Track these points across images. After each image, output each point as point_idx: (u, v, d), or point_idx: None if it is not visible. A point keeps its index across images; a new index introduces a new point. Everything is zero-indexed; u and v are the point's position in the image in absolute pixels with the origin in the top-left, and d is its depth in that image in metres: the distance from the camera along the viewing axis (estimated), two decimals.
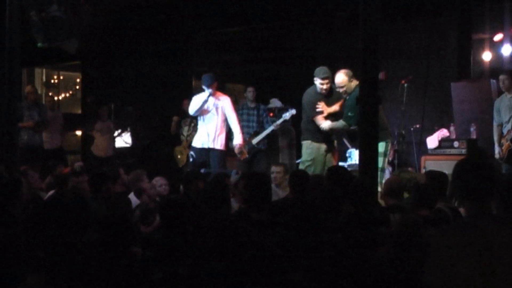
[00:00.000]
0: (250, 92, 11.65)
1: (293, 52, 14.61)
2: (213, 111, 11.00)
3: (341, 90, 9.09)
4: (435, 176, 6.81)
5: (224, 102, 11.11)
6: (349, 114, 8.78)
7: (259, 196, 5.91)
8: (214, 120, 11.00)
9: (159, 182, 8.36)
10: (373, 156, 6.74)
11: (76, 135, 16.12)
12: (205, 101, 10.76)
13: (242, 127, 11.37)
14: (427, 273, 3.62)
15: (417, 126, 11.95)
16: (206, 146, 10.95)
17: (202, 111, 10.92)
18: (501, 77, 10.09)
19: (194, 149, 11.08)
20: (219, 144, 11.01)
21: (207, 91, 10.76)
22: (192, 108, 10.89)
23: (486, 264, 3.46)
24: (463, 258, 3.50)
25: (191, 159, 11.13)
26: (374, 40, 6.75)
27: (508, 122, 9.86)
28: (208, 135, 10.95)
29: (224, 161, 11.24)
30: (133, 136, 14.51)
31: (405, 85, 10.16)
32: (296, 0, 12.72)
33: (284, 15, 13.26)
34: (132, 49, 14.30)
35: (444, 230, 3.90)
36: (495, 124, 10.10)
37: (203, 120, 11.00)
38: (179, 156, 12.84)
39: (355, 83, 8.79)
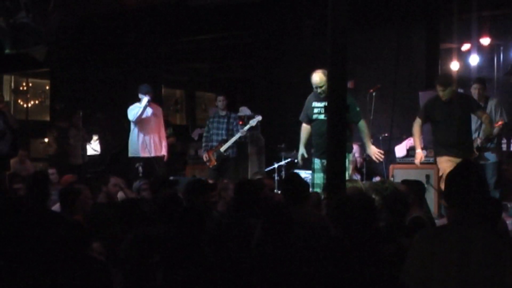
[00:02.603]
0: (220, 101, 11.67)
1: (262, 60, 14.64)
2: (153, 119, 11.54)
3: (319, 89, 9.07)
4: (412, 185, 6.87)
5: (159, 111, 11.77)
6: (358, 109, 8.85)
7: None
8: (156, 128, 11.58)
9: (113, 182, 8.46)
10: (342, 165, 6.72)
11: (45, 142, 15.99)
12: (145, 107, 11.24)
13: (212, 135, 11.53)
14: (405, 274, 3.76)
15: (386, 135, 12.00)
16: (153, 155, 11.46)
17: (143, 120, 11.38)
18: (475, 85, 10.13)
19: (141, 159, 11.27)
20: (164, 150, 11.72)
21: (146, 98, 11.25)
22: (134, 114, 11.30)
23: (463, 270, 3.58)
24: (442, 262, 3.63)
25: (140, 169, 11.18)
26: (342, 48, 6.74)
27: (475, 131, 9.93)
28: (153, 143, 11.48)
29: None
30: (101, 144, 14.43)
31: (373, 94, 10.19)
32: (264, 8, 12.74)
33: (252, 23, 13.29)
34: (101, 56, 14.23)
35: (425, 233, 3.95)
36: None
37: (145, 129, 11.45)
38: None
39: None
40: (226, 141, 11.46)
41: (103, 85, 14.62)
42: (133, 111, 11.32)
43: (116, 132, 14.44)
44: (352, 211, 5.17)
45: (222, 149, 11.43)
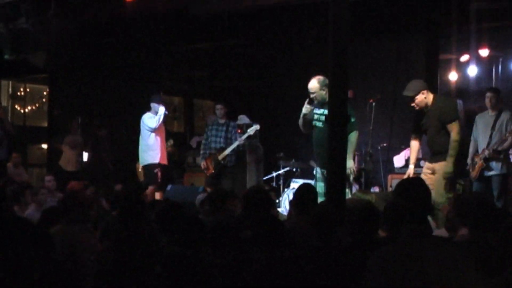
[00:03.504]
0: (218, 110, 11.71)
1: (262, 69, 14.64)
2: (163, 127, 11.87)
3: (312, 95, 9.02)
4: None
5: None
6: (353, 120, 8.55)
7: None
8: (164, 138, 11.89)
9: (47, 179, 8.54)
10: (342, 175, 6.71)
11: (42, 148, 15.97)
12: (165, 115, 11.56)
13: (210, 143, 11.56)
14: None
15: (384, 144, 12.00)
16: (165, 162, 11.83)
17: (159, 128, 11.67)
18: (488, 94, 9.96)
19: (159, 165, 11.44)
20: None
21: (162, 107, 11.53)
22: (155, 121, 11.50)
23: (423, 283, 3.67)
24: (400, 276, 3.72)
25: (159, 175, 11.34)
26: (343, 58, 6.74)
27: (484, 140, 9.84)
28: (165, 151, 11.86)
29: None
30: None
31: (373, 104, 10.14)
32: (265, 17, 12.72)
33: (253, 32, 13.27)
34: (100, 63, 14.20)
35: (379, 254, 3.95)
36: (472, 139, 10.04)
37: (160, 137, 11.71)
38: (139, 171, 12.83)
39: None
40: (224, 149, 11.47)
41: (102, 92, 14.58)
42: (153, 119, 11.51)
43: (114, 139, 14.42)
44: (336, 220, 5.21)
45: (220, 157, 11.43)
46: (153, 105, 11.59)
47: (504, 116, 9.77)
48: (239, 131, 11.88)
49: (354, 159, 9.11)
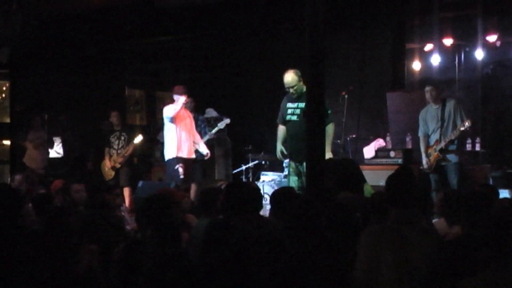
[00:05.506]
0: (189, 103, 11.48)
1: (228, 61, 14.55)
2: (188, 121, 11.04)
3: (291, 90, 9.01)
4: None
5: (190, 114, 11.23)
6: (329, 112, 8.54)
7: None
8: (191, 130, 11.05)
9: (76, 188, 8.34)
10: (321, 169, 6.69)
11: (4, 144, 15.63)
12: (182, 105, 10.73)
13: None
14: (356, 266, 4.41)
15: (353, 136, 12.00)
16: (193, 156, 10.99)
17: (181, 121, 10.88)
18: (427, 88, 10.24)
19: (181, 159, 10.76)
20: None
21: (182, 98, 10.71)
22: (170, 111, 10.74)
23: (402, 260, 4.31)
24: (384, 254, 4.34)
25: (180, 170, 10.75)
26: (320, 52, 6.72)
27: (435, 132, 10.08)
28: (189, 145, 10.95)
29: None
30: (64, 147, 14.17)
31: (346, 96, 10.10)
32: (231, 9, 12.61)
33: (219, 24, 13.15)
34: (63, 57, 13.94)
35: (371, 230, 4.55)
36: (421, 135, 10.30)
37: (184, 130, 10.89)
38: (106, 169, 12.47)
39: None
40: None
41: (66, 87, 14.31)
42: (170, 108, 10.82)
43: (79, 135, 14.21)
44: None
45: None
46: (175, 96, 10.84)
47: (449, 105, 9.98)
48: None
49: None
